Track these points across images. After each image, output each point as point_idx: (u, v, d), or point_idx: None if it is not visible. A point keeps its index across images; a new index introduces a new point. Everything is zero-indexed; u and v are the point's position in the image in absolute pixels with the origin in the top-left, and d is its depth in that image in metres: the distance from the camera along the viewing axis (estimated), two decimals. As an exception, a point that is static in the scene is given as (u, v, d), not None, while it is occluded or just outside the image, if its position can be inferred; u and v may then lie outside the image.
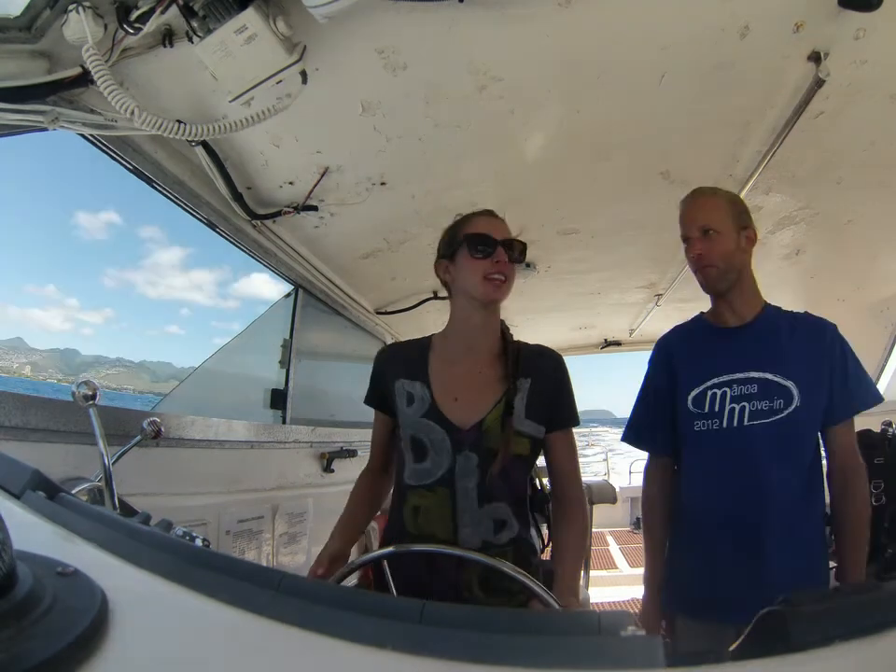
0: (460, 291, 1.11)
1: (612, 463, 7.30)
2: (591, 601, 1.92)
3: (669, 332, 1.29)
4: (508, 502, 1.06)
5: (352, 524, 1.13)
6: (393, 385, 1.11)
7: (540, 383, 1.10)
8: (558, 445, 1.13)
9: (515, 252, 1.09)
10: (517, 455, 1.05)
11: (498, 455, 1.03)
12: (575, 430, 1.15)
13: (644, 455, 1.29)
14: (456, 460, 1.04)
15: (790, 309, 1.23)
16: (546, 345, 1.18)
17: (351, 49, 1.10)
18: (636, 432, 1.28)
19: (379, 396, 1.16)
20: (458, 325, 1.13)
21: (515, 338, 1.17)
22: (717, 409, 1.13)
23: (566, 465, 1.13)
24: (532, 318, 3.39)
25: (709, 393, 1.14)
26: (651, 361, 1.29)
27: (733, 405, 1.12)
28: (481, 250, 1.06)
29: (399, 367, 1.13)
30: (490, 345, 1.13)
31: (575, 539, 1.07)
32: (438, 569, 1.01)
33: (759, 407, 1.10)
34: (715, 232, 1.11)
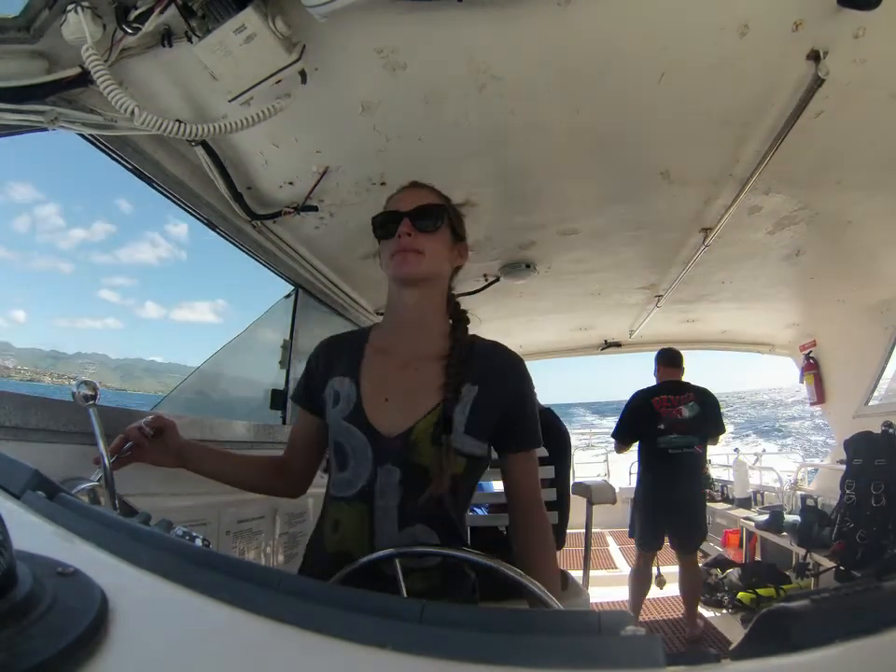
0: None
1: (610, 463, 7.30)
2: (591, 601, 1.91)
3: None
4: (433, 526, 0.92)
5: (226, 456, 1.06)
6: (325, 383, 0.99)
7: (491, 392, 0.95)
8: (518, 470, 1.00)
9: (429, 220, 0.96)
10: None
11: (436, 479, 0.90)
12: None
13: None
14: (377, 473, 0.91)
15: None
16: (502, 344, 1.04)
17: (350, 49, 1.10)
18: None
19: (310, 394, 1.04)
20: (389, 310, 1.04)
21: (490, 337, 1.04)
22: None
23: (527, 494, 1.00)
24: (532, 319, 3.39)
25: None
26: None
27: None
28: (383, 231, 0.98)
29: (333, 363, 1.01)
30: (430, 339, 0.99)
31: (545, 553, 0.97)
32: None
33: None
34: None
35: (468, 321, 1.04)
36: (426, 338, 0.99)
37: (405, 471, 0.90)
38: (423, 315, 1.00)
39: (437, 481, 0.90)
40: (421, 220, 0.96)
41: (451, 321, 1.03)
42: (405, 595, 0.78)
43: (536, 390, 1.05)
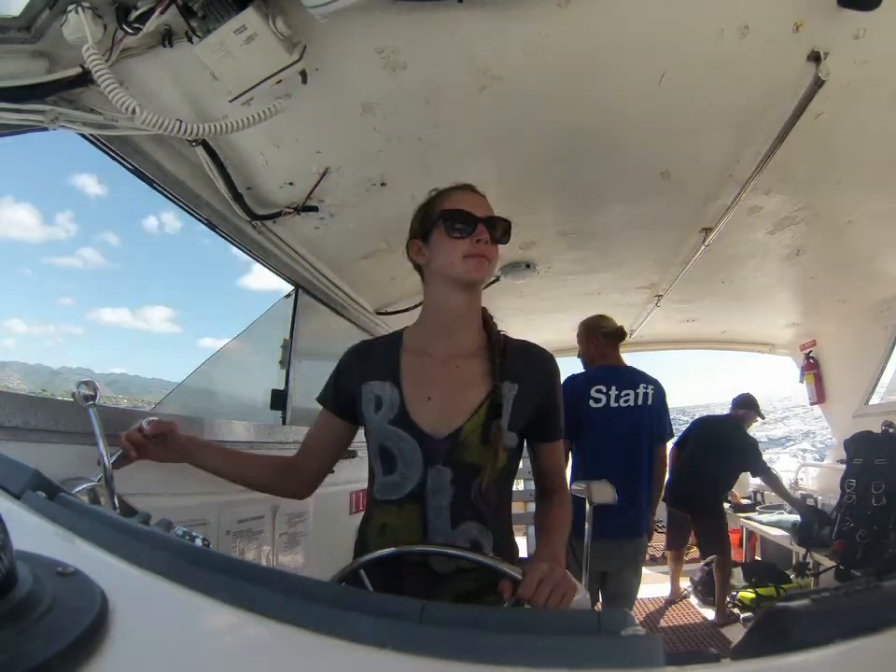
0: (436, 273, 1.00)
1: None
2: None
3: None
4: (484, 521, 0.95)
5: (232, 454, 1.08)
6: (360, 388, 1.01)
7: (528, 390, 0.98)
8: (549, 458, 1.05)
9: (498, 231, 0.98)
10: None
11: (484, 474, 0.93)
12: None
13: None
14: (428, 474, 0.93)
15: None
16: (536, 343, 1.07)
17: (351, 49, 1.10)
18: None
19: (339, 398, 1.05)
20: (433, 310, 1.03)
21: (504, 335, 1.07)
22: None
23: (555, 477, 1.06)
24: (532, 319, 3.40)
25: None
26: None
27: None
28: (459, 228, 0.96)
29: (368, 367, 1.02)
30: (470, 336, 1.02)
31: (561, 516, 1.01)
32: (406, 590, 0.92)
33: None
34: None
35: (493, 318, 1.08)
36: (466, 335, 1.02)
37: (456, 471, 0.93)
38: (468, 315, 1.03)
39: (486, 475, 0.93)
40: (494, 230, 0.98)
41: (484, 320, 1.07)
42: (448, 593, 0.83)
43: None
